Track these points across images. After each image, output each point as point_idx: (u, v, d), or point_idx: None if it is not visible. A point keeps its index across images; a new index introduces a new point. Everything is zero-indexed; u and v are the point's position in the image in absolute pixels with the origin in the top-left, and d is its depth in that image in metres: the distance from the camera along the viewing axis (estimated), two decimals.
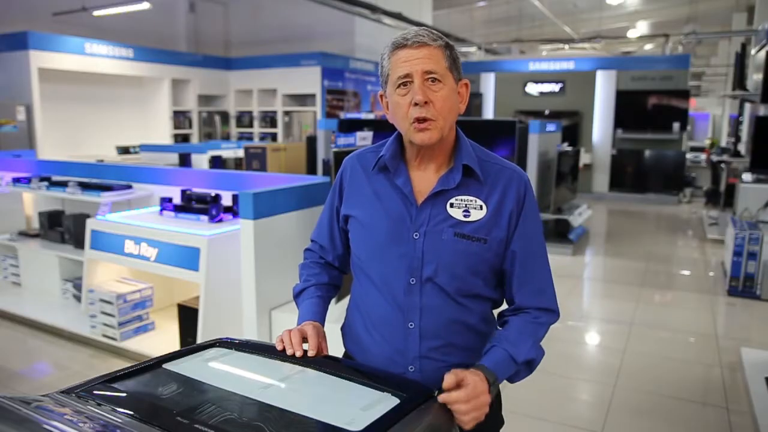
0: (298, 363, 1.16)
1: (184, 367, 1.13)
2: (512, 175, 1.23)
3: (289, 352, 1.17)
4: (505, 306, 1.32)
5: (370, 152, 1.31)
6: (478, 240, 1.19)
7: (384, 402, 1.00)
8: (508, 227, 1.21)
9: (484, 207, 1.20)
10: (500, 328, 1.27)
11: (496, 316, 1.33)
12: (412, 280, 1.20)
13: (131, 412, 0.95)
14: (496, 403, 1.35)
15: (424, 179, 1.24)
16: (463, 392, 1.05)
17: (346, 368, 1.16)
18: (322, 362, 1.17)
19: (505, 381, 1.21)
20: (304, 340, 1.21)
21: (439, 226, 1.19)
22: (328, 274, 1.41)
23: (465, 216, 1.19)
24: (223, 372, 1.14)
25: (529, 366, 1.22)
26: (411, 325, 1.21)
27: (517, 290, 1.25)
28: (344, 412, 0.96)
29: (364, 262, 1.27)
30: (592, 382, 3.41)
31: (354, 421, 0.92)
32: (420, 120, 1.15)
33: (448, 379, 1.06)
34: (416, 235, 1.20)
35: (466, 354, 1.24)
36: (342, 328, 1.40)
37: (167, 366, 1.14)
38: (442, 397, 1.05)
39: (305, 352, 1.19)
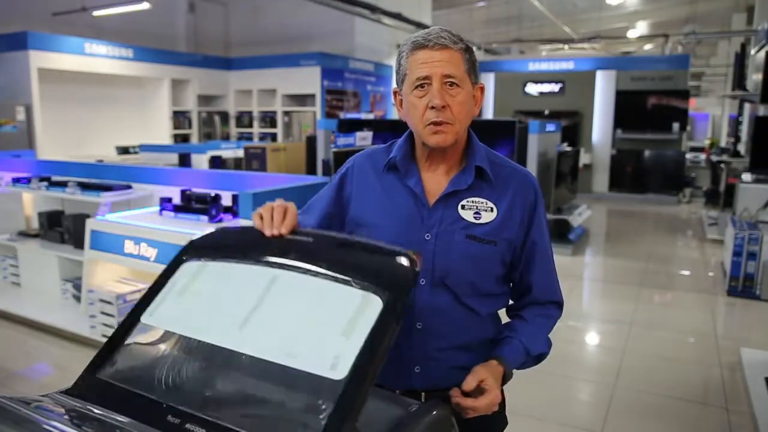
0: (273, 262, 1.09)
1: (161, 316, 1.12)
2: (523, 179, 1.24)
3: (267, 233, 1.10)
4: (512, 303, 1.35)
5: (380, 152, 1.30)
6: (489, 242, 1.19)
7: (366, 311, 0.95)
8: (519, 229, 1.23)
9: (495, 209, 1.20)
10: (513, 320, 1.30)
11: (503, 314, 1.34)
12: (422, 281, 1.19)
13: (128, 411, 0.95)
14: (501, 403, 1.35)
15: (434, 180, 1.23)
16: (484, 401, 1.09)
17: (326, 254, 1.08)
18: (299, 250, 1.08)
19: None
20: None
21: (451, 228, 1.19)
22: None
23: (476, 218, 1.20)
24: (195, 311, 1.11)
25: (538, 359, 1.25)
26: (419, 325, 1.21)
27: (529, 288, 1.28)
28: (326, 346, 0.94)
29: None
30: (591, 382, 3.41)
31: (338, 360, 0.90)
32: (436, 123, 1.15)
33: (470, 382, 1.10)
34: (428, 237, 1.20)
35: (472, 355, 1.24)
36: None
37: (146, 320, 1.11)
38: (461, 400, 1.09)
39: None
